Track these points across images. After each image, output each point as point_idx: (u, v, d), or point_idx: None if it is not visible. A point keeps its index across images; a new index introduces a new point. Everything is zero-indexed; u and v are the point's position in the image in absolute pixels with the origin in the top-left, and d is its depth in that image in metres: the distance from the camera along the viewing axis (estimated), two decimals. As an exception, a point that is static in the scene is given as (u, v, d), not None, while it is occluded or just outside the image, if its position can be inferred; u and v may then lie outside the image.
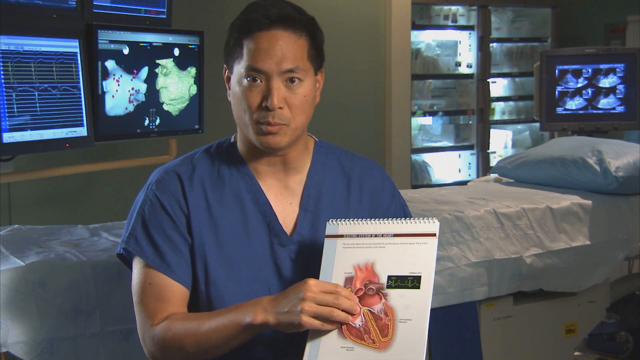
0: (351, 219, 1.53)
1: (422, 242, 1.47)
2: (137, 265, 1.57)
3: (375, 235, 1.50)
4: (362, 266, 1.47)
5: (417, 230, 1.48)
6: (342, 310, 1.40)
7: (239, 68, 1.54)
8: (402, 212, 1.72)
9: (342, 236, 1.51)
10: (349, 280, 1.46)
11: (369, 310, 1.42)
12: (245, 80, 1.52)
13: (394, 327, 1.40)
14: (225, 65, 1.61)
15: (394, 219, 1.52)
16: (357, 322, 1.42)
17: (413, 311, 1.40)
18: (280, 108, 1.51)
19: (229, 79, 1.59)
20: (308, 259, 1.59)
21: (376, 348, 1.39)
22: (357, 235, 1.51)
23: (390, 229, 1.49)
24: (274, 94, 1.50)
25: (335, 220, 1.53)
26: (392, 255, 1.47)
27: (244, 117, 1.55)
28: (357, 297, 1.44)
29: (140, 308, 1.54)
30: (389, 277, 1.44)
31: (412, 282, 1.43)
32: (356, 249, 1.49)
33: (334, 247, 1.50)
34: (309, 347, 1.42)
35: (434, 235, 1.47)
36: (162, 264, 1.54)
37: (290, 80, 1.52)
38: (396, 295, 1.42)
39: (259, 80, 1.51)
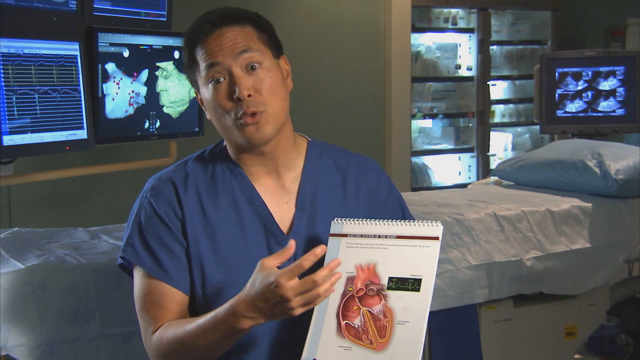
0: (356, 219, 1.53)
1: (424, 245, 1.47)
2: (137, 274, 1.58)
3: (379, 236, 1.50)
4: (364, 266, 1.47)
5: (420, 233, 1.48)
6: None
7: (200, 76, 1.56)
8: (400, 207, 1.72)
9: (346, 235, 1.52)
10: (350, 280, 1.47)
11: (369, 310, 1.43)
12: (210, 84, 1.54)
13: (391, 329, 1.41)
14: (194, 89, 1.62)
15: (398, 220, 1.53)
16: (356, 322, 1.42)
17: (411, 314, 1.41)
18: (249, 96, 1.52)
19: (202, 100, 1.60)
20: None
21: (373, 349, 1.40)
22: (361, 235, 1.51)
23: (393, 231, 1.50)
24: (239, 82, 1.51)
25: (340, 219, 1.54)
26: (394, 256, 1.47)
27: (224, 121, 1.55)
28: (358, 297, 1.44)
29: (142, 316, 1.55)
30: (390, 279, 1.45)
31: (412, 284, 1.43)
32: (359, 248, 1.50)
33: (338, 245, 1.51)
34: (307, 345, 1.43)
35: (437, 238, 1.47)
36: (160, 272, 1.54)
37: (251, 68, 1.53)
38: (396, 297, 1.43)
39: (222, 79, 1.53)
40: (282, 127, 1.58)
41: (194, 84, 1.60)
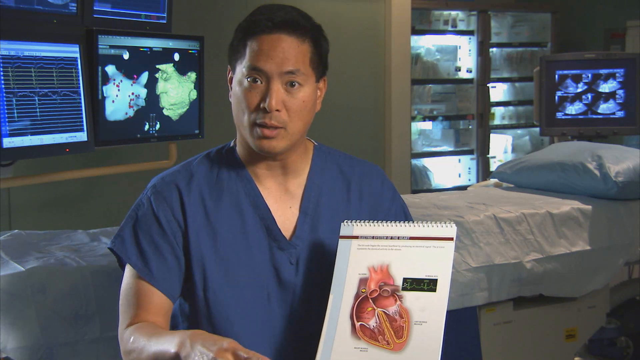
0: (366, 221, 1.53)
1: (439, 245, 1.46)
2: (128, 267, 1.57)
3: (391, 238, 1.49)
4: (377, 268, 1.47)
5: (434, 233, 1.48)
6: None
7: (241, 68, 1.54)
8: (403, 213, 1.72)
9: (357, 237, 1.51)
10: (363, 282, 1.46)
11: (384, 311, 1.42)
12: (246, 80, 1.53)
13: (409, 329, 1.40)
14: (229, 66, 1.61)
15: (411, 222, 1.52)
16: (371, 323, 1.42)
17: (429, 314, 1.40)
18: (277, 110, 1.51)
19: (231, 80, 1.60)
20: (307, 263, 1.59)
21: (390, 349, 1.39)
22: (373, 237, 1.50)
23: (406, 232, 1.49)
24: (273, 95, 1.50)
25: (350, 222, 1.53)
26: (408, 257, 1.46)
27: (242, 118, 1.55)
28: (372, 298, 1.44)
29: (121, 310, 1.55)
30: (405, 280, 1.44)
31: (428, 285, 1.43)
32: (371, 250, 1.49)
33: (349, 248, 1.50)
34: (321, 347, 1.42)
35: (452, 239, 1.47)
36: (145, 269, 1.54)
37: (291, 84, 1.52)
38: (412, 298, 1.42)
39: (259, 82, 1.52)
40: (295, 144, 1.58)
41: (232, 64, 1.59)
